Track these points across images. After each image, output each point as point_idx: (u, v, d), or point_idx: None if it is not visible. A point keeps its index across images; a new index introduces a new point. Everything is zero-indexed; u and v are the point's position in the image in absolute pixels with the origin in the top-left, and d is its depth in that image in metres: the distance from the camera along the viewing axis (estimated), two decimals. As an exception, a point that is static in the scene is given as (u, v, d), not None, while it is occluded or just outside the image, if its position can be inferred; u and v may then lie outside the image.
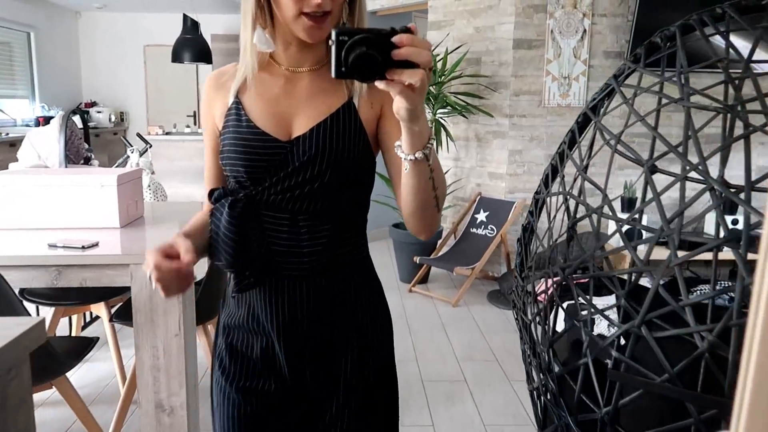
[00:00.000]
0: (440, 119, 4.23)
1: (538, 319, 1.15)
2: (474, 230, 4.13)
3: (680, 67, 0.93)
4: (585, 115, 1.18)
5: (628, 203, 3.93)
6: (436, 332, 3.27)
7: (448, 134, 4.21)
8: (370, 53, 0.67)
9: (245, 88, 0.98)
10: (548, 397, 0.99)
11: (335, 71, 0.69)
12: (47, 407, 2.41)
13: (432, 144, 0.81)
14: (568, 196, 1.07)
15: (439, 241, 4.35)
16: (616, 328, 0.86)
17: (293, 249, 0.97)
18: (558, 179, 1.22)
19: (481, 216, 4.14)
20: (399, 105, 0.73)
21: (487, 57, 4.27)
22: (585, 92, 4.14)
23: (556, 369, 1.03)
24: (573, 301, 0.97)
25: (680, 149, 0.86)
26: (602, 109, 1.15)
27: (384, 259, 4.58)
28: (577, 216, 1.02)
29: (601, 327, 2.40)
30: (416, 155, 0.80)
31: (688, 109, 0.90)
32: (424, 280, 4.22)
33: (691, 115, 0.90)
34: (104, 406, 2.44)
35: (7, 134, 5.21)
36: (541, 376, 1.03)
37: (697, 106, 0.84)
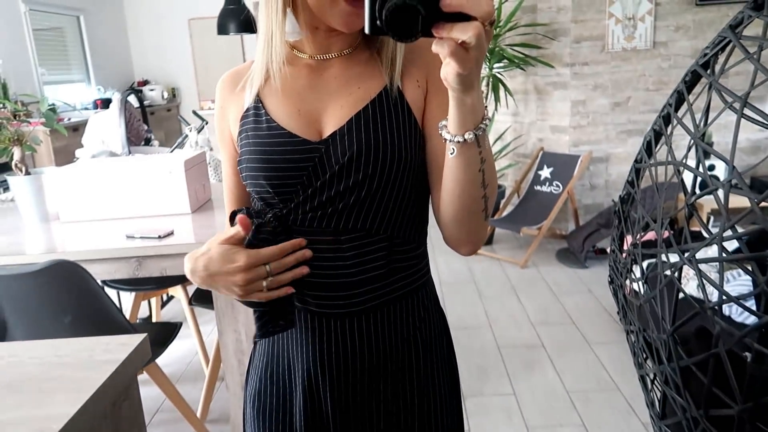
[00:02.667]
0: (497, 74, 4.05)
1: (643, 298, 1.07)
2: (538, 187, 4.00)
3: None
4: (694, 73, 1.06)
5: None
6: (507, 296, 3.21)
7: (506, 89, 4.04)
8: (410, 3, 0.54)
9: (266, 85, 0.82)
10: (670, 387, 0.92)
11: (369, 26, 0.56)
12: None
13: (486, 125, 0.66)
14: (682, 167, 0.97)
15: (503, 201, 4.24)
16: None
17: (339, 280, 0.79)
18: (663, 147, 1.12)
19: (545, 172, 3.99)
20: (448, 70, 0.58)
21: (543, 3, 4.03)
22: (652, 33, 3.87)
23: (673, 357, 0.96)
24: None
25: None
26: (716, 66, 1.03)
27: (445, 221, 4.49)
28: (696, 191, 0.92)
29: (690, 287, 2.28)
30: (465, 136, 0.65)
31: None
32: (488, 241, 4.14)
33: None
34: (189, 384, 2.52)
35: (69, 119, 5.36)
36: (659, 365, 0.96)
37: None
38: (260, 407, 0.88)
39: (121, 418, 0.70)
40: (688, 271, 2.48)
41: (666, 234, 0.98)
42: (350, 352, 0.82)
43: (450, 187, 0.72)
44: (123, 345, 0.72)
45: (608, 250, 3.47)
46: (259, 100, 0.81)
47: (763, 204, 0.82)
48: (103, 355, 0.70)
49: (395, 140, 0.76)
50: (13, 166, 1.99)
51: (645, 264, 2.22)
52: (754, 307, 1.43)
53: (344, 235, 0.78)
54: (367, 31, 0.57)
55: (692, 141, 0.96)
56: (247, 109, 0.82)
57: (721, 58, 1.07)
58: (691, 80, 1.11)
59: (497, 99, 4.05)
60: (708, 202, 3.45)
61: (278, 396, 0.86)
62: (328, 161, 0.76)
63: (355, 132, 0.76)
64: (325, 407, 0.83)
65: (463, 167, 0.69)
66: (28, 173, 2.01)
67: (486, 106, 0.67)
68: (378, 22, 0.55)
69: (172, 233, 1.82)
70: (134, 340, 0.73)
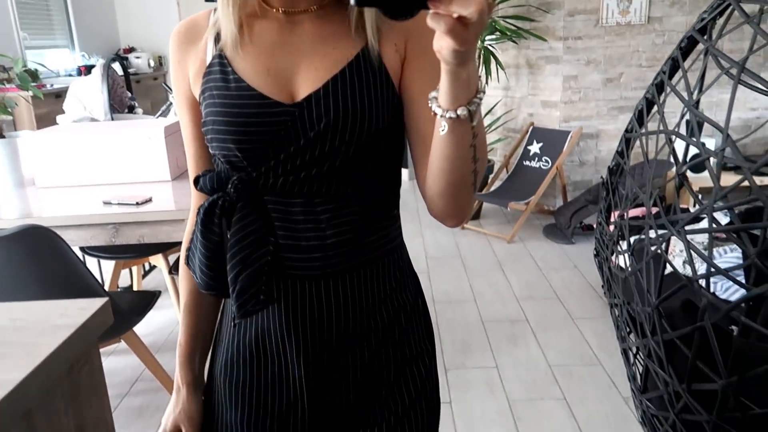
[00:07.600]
0: (489, 46, 3.98)
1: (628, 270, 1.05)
2: (527, 163, 3.97)
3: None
4: (690, 38, 1.02)
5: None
6: (493, 271, 3.20)
7: (497, 62, 3.98)
8: None
9: (228, 40, 0.76)
10: (652, 361, 0.90)
11: None
12: (118, 355, 2.48)
13: (480, 98, 0.61)
14: (674, 136, 0.93)
15: (491, 176, 4.21)
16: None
17: (314, 242, 0.77)
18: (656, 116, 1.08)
19: (535, 147, 3.95)
20: (443, 44, 0.53)
21: (537, -26, 3.95)
22: (647, 8, 3.81)
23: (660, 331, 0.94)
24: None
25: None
26: (713, 31, 0.99)
27: (433, 195, 4.46)
28: (687, 159, 0.89)
29: (676, 264, 2.27)
30: (458, 112, 0.60)
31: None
32: (476, 216, 4.11)
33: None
34: (170, 353, 2.49)
35: (52, 85, 5.23)
36: (642, 338, 0.94)
37: None
38: (231, 378, 0.85)
39: (80, 385, 0.67)
40: (674, 248, 2.47)
41: (655, 210, 0.96)
42: (326, 313, 0.80)
43: (438, 163, 0.68)
44: (82, 309, 0.68)
45: (595, 224, 3.47)
46: (223, 55, 0.75)
47: (757, 181, 0.79)
48: (60, 319, 0.66)
49: (373, 107, 0.73)
50: (-14, 129, 1.92)
51: (632, 239, 2.21)
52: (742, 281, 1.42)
53: (317, 198, 0.76)
54: (352, 2, 0.49)
55: (685, 109, 0.92)
56: (210, 65, 0.76)
57: (719, 23, 1.03)
58: (686, 46, 1.07)
59: (488, 72, 3.98)
60: (697, 181, 3.44)
61: (247, 365, 0.84)
62: (302, 126, 0.72)
63: (332, 97, 0.72)
64: (297, 371, 0.81)
65: (454, 143, 0.64)
66: (2, 137, 1.95)
67: (480, 77, 0.63)
68: None
69: (150, 200, 1.77)
70: (94, 304, 0.70)
